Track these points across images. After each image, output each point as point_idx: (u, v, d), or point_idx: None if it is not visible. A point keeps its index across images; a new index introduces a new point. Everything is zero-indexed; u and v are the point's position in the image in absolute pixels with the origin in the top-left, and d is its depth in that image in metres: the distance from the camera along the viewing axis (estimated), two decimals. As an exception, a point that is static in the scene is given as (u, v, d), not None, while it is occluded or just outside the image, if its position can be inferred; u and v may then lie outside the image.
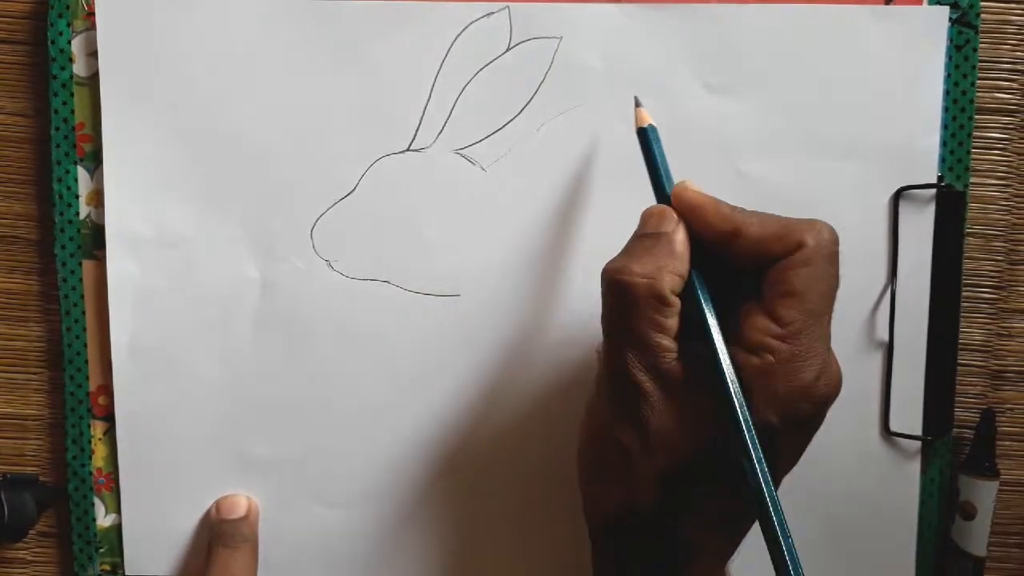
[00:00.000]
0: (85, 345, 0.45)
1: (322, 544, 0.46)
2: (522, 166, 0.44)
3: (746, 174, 0.43)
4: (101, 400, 0.46)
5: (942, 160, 0.43)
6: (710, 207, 0.35)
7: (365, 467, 0.45)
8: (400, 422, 0.45)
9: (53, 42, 0.43)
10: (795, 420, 0.34)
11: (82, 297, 0.45)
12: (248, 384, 0.45)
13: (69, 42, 0.43)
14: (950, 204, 0.43)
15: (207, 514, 0.46)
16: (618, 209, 0.44)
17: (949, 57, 0.43)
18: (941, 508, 0.45)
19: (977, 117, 0.43)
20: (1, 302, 0.46)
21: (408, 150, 0.44)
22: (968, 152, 0.43)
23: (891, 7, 0.42)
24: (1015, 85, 0.44)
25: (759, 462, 0.33)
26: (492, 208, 0.44)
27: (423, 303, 0.44)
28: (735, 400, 0.33)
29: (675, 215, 0.36)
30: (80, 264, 0.45)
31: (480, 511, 0.46)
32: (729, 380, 0.33)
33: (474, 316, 0.44)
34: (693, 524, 0.36)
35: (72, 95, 0.44)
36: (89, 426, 0.46)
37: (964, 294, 0.45)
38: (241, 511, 0.45)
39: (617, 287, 0.34)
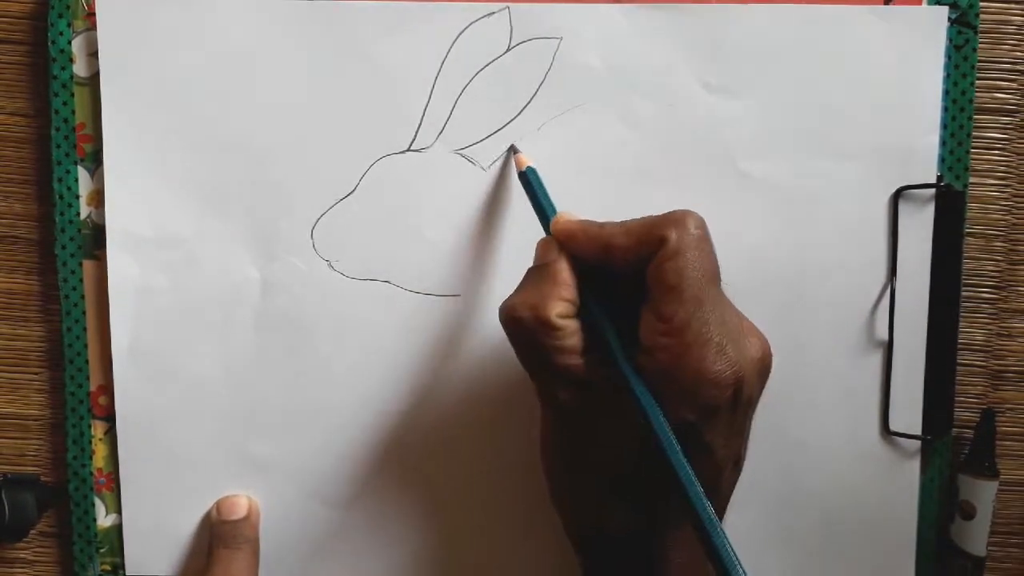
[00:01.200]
0: (86, 345, 0.45)
1: (322, 544, 0.46)
2: (522, 166, 0.44)
3: (746, 174, 0.43)
4: (102, 400, 0.46)
5: (941, 160, 0.43)
6: (579, 231, 0.37)
7: (365, 466, 0.46)
8: (400, 422, 0.45)
9: (53, 42, 0.43)
10: (710, 409, 0.34)
11: (83, 297, 0.45)
12: (248, 384, 0.45)
13: (69, 42, 0.43)
14: (950, 204, 0.43)
15: (208, 515, 0.46)
16: (617, 208, 0.44)
17: (948, 57, 0.43)
18: (941, 508, 0.45)
19: (976, 117, 0.43)
20: (2, 302, 0.47)
21: (408, 150, 0.44)
22: (967, 152, 0.43)
23: (890, 7, 0.42)
24: (1014, 85, 0.44)
25: (679, 464, 0.33)
26: (492, 208, 0.44)
27: (423, 303, 0.44)
28: (644, 407, 0.34)
29: (555, 245, 0.37)
30: (80, 264, 0.45)
31: (481, 510, 0.46)
32: (635, 387, 0.34)
33: (474, 316, 0.44)
34: (659, 523, 0.37)
35: (72, 95, 0.44)
36: (90, 426, 0.46)
37: (964, 294, 0.45)
38: (241, 512, 0.45)
39: (509, 324, 0.37)
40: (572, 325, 0.36)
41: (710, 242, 0.35)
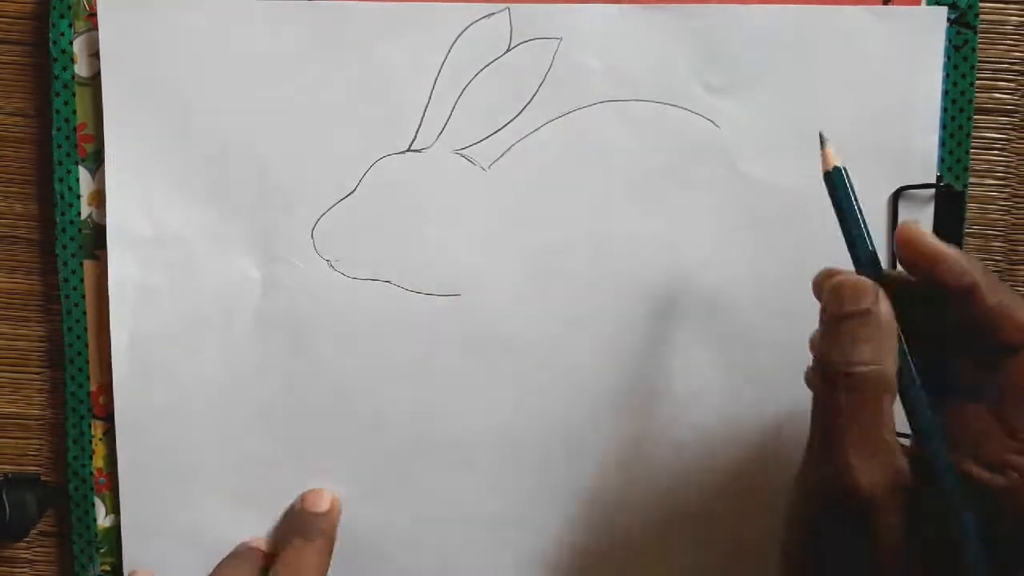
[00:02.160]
0: (86, 345, 0.45)
1: (323, 544, 0.46)
2: (522, 166, 0.44)
3: (745, 174, 0.43)
4: (102, 400, 0.46)
5: (941, 160, 0.43)
6: (952, 259, 0.31)
7: (365, 467, 0.46)
8: (400, 422, 0.45)
9: (55, 42, 0.43)
10: None
11: (83, 297, 0.45)
12: (248, 384, 0.45)
13: (71, 43, 0.43)
14: (949, 204, 0.43)
15: (291, 506, 0.46)
16: (618, 209, 0.44)
17: (947, 57, 0.43)
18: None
19: (975, 117, 0.43)
20: (2, 302, 0.47)
21: (408, 150, 0.44)
22: (967, 152, 0.43)
23: (889, 7, 0.42)
24: (1013, 85, 0.44)
25: None
26: (492, 208, 0.44)
27: (423, 303, 0.45)
28: (966, 529, 0.29)
29: (871, 285, 0.32)
30: (81, 264, 0.45)
31: (480, 509, 0.46)
32: (954, 504, 0.30)
33: (474, 316, 0.44)
34: None
35: (74, 95, 0.44)
36: (90, 426, 0.46)
37: (963, 294, 0.45)
38: (324, 506, 0.45)
39: (846, 382, 0.30)
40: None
41: None
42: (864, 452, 0.30)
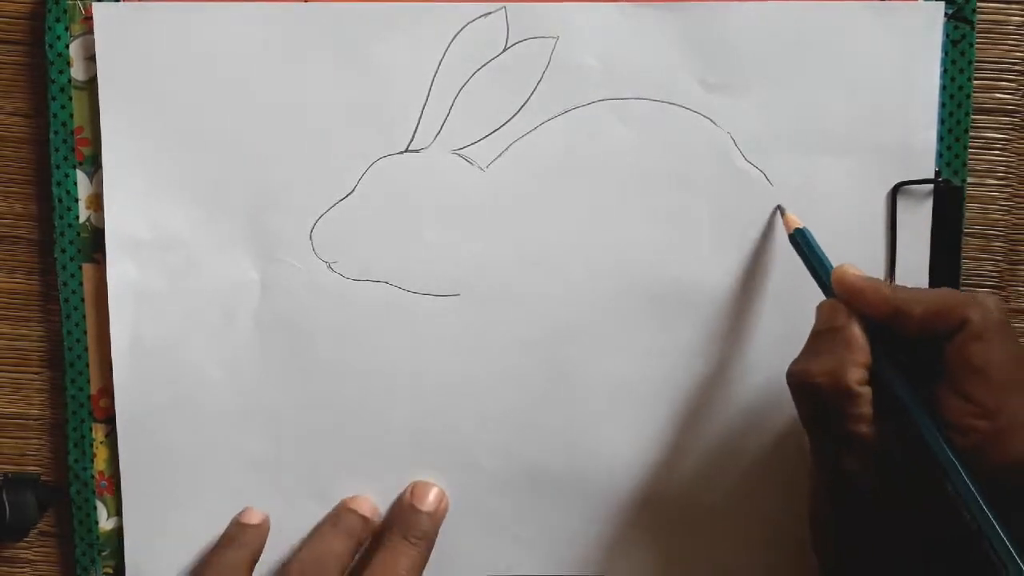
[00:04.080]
0: (86, 348, 0.45)
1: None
2: (520, 166, 0.44)
3: (743, 171, 0.43)
4: (102, 403, 0.46)
5: (939, 156, 0.43)
6: (869, 290, 0.36)
7: (365, 467, 0.46)
8: (400, 422, 0.45)
9: (51, 46, 0.43)
10: (1014, 492, 0.34)
11: (83, 300, 0.45)
12: (249, 386, 0.45)
13: (67, 46, 0.43)
14: (948, 200, 0.43)
15: (398, 499, 0.45)
16: (616, 207, 0.44)
17: (945, 52, 0.42)
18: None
19: (976, 117, 0.43)
20: (2, 302, 0.47)
21: (406, 151, 0.44)
22: (965, 148, 0.43)
23: (887, 3, 0.42)
24: (1014, 85, 0.44)
25: (996, 537, 0.33)
26: (491, 208, 0.44)
27: (423, 303, 0.45)
28: (960, 486, 0.33)
29: (844, 308, 0.36)
30: (80, 267, 0.45)
31: (480, 509, 0.46)
32: (951, 464, 0.34)
33: (474, 316, 0.44)
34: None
35: (70, 99, 0.44)
36: (91, 429, 0.46)
37: (964, 294, 0.45)
38: (431, 504, 0.44)
39: (802, 390, 0.36)
40: (868, 392, 0.35)
41: (1011, 326, 0.35)
42: (837, 442, 0.35)
